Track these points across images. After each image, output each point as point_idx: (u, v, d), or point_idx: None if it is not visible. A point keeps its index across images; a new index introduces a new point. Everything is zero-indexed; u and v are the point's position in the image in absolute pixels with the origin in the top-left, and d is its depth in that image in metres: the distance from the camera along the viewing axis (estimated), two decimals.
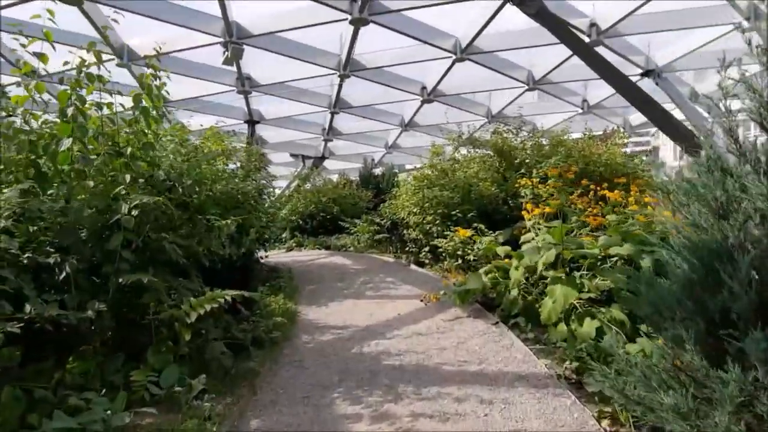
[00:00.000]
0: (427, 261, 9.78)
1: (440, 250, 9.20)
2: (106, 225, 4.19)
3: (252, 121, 17.60)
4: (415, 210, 10.28)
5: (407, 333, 5.83)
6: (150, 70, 4.78)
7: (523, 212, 7.60)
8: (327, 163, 23.65)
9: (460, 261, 8.79)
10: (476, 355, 4.99)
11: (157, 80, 4.88)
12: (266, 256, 10.25)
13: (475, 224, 9.26)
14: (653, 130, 16.68)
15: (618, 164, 10.11)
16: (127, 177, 4.13)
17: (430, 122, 18.80)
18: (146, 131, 4.66)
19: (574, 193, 9.44)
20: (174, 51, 12.98)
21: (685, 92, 14.26)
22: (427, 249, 9.75)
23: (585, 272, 6.10)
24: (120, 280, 4.05)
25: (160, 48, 5.37)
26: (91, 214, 4.30)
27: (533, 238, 7.04)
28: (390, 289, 8.27)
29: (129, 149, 4.25)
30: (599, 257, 6.02)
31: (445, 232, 9.32)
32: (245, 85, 14.88)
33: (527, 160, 10.67)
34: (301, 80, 14.92)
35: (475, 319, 6.20)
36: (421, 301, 6.84)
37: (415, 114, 17.61)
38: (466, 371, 4.56)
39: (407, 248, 10.86)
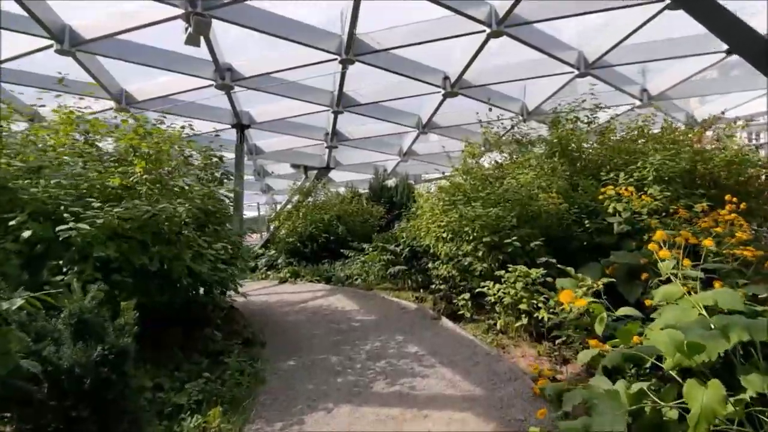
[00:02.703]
0: (466, 312, 6.33)
1: (489, 299, 5.76)
2: None
3: (241, 125, 14.33)
4: (445, 235, 6.89)
5: None
6: None
7: (651, 246, 4.15)
8: (333, 174, 20.28)
9: (525, 320, 5.33)
10: None
11: None
12: (229, 304, 6.95)
13: (545, 258, 5.83)
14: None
15: (750, 162, 6.64)
16: None
17: (454, 122, 15.40)
18: None
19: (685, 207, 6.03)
20: (127, 30, 9.76)
21: None
22: (467, 296, 6.30)
23: None
24: None
25: None
26: None
27: (684, 296, 3.62)
28: (415, 375, 4.80)
29: None
30: None
31: (496, 271, 5.89)
32: (225, 77, 11.61)
33: (606, 161, 7.25)
34: (295, 70, 11.60)
35: None
36: None
37: (434, 112, 14.16)
38: None
39: (434, 286, 7.48)
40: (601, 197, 6.24)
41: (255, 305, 8.71)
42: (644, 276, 4.45)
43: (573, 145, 7.45)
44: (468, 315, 6.26)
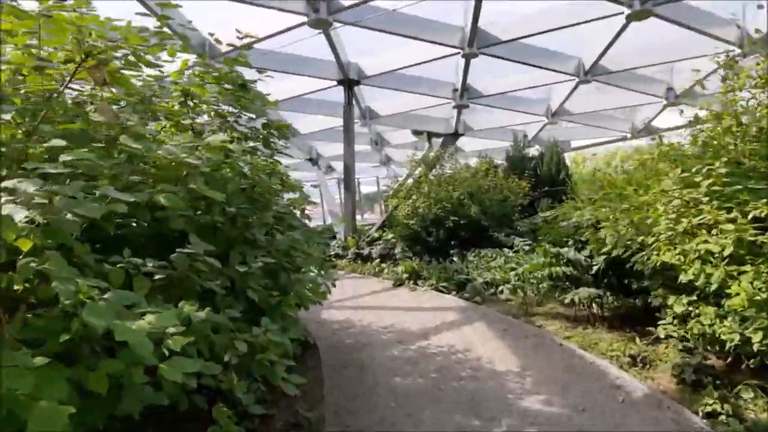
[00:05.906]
0: None
1: None
2: None
3: (348, 80, 11.05)
4: (742, 254, 2.92)
5: None
6: None
7: None
8: (462, 143, 16.44)
9: None
10: None
11: None
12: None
13: None
14: None
15: None
16: None
17: (629, 65, 10.75)
18: None
19: None
20: None
21: None
22: None
23: None
24: None
25: None
26: None
27: None
28: None
29: None
30: None
31: None
32: (320, 10, 8.28)
33: None
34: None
35: None
36: None
37: (607, 48, 9.70)
38: None
39: (664, 328, 3.61)
40: None
41: (350, 336, 5.46)
42: None
43: None
44: None
